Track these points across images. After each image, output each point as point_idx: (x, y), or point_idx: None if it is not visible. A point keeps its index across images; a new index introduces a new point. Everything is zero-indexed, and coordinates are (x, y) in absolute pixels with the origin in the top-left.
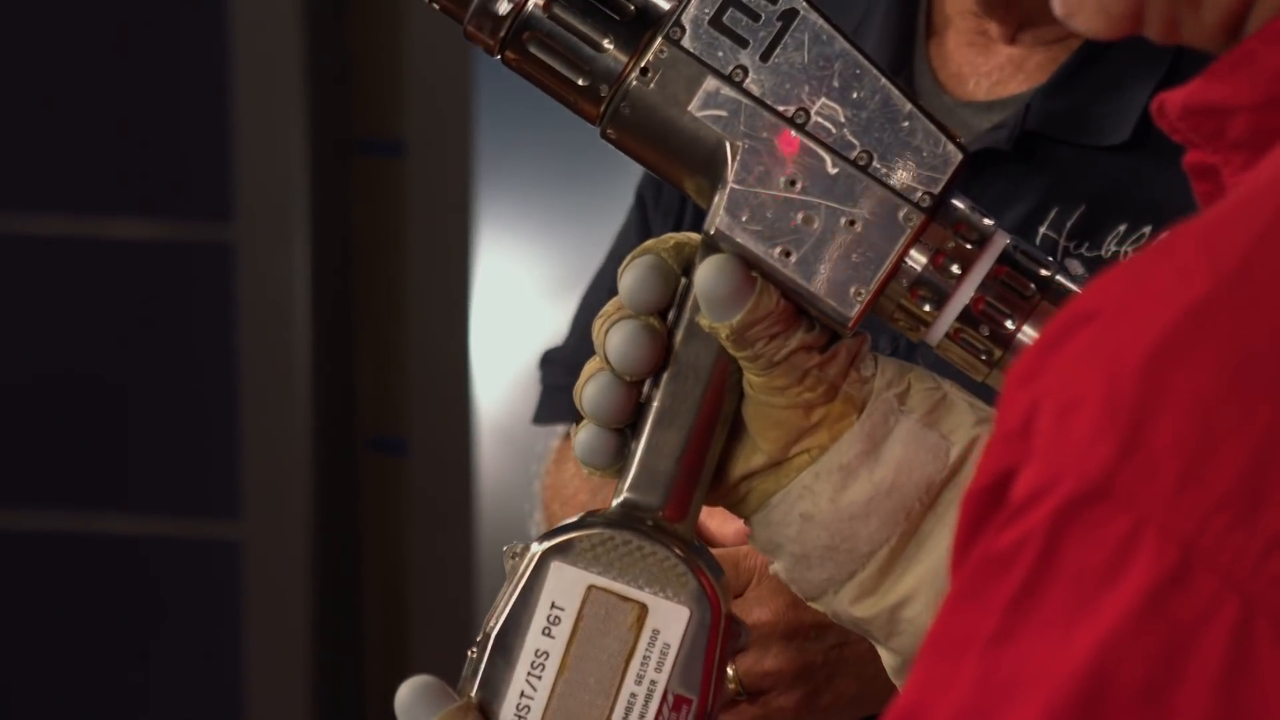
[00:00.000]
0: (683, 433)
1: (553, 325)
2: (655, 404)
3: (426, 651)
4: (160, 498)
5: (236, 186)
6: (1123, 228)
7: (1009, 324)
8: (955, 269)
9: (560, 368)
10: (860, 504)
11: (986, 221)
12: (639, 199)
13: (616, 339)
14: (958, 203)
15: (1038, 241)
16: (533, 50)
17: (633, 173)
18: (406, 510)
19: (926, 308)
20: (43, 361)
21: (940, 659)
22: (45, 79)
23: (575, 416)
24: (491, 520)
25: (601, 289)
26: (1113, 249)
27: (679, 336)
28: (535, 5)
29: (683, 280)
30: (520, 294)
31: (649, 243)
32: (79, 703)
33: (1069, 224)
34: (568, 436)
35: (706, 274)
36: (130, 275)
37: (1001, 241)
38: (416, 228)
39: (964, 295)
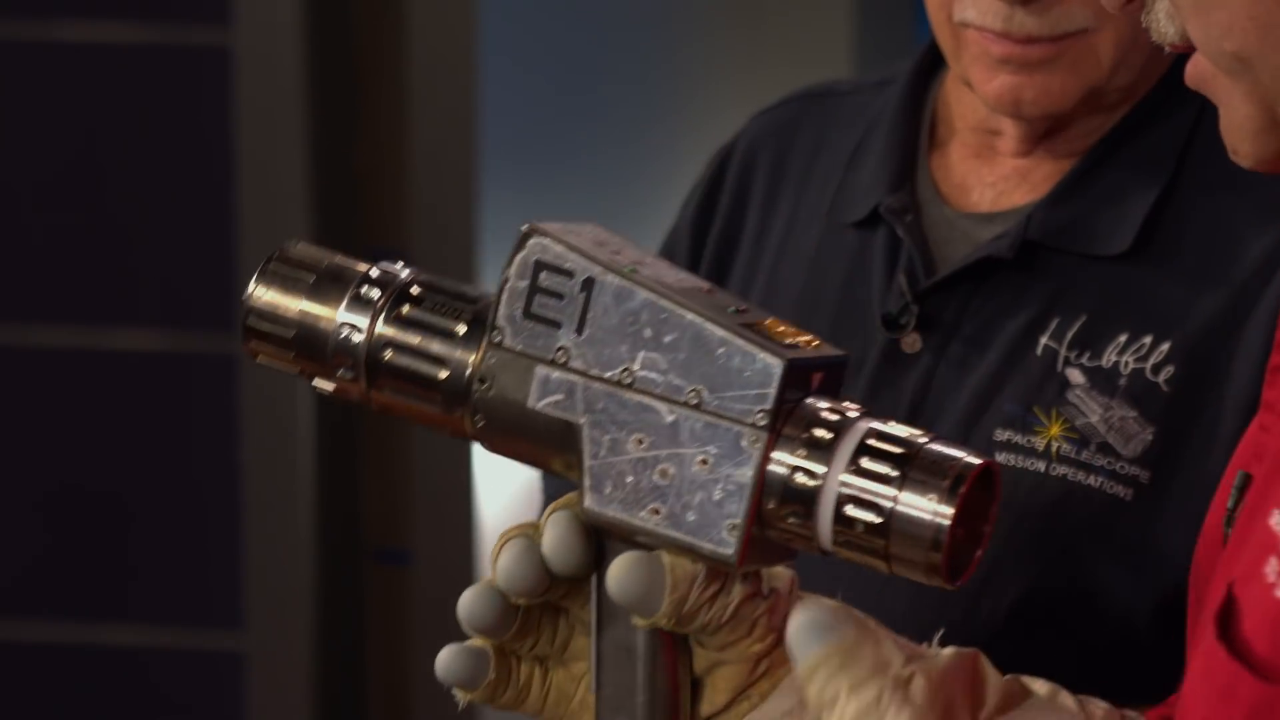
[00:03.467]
0: (635, 715)
1: None
2: (601, 693)
3: None
4: (164, 609)
5: (239, 298)
6: (1124, 337)
7: (877, 516)
8: (810, 480)
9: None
10: None
11: (834, 418)
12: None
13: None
14: (815, 401)
15: (1039, 351)
16: (389, 394)
17: None
18: (410, 621)
19: (802, 521)
20: (46, 472)
21: None
22: (49, 189)
23: None
24: None
25: None
26: (1113, 359)
27: (594, 618)
28: (380, 350)
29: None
30: None
31: (522, 525)
32: None
33: (1070, 334)
34: None
35: (614, 585)
36: (133, 386)
37: (855, 436)
38: None
39: (829, 499)
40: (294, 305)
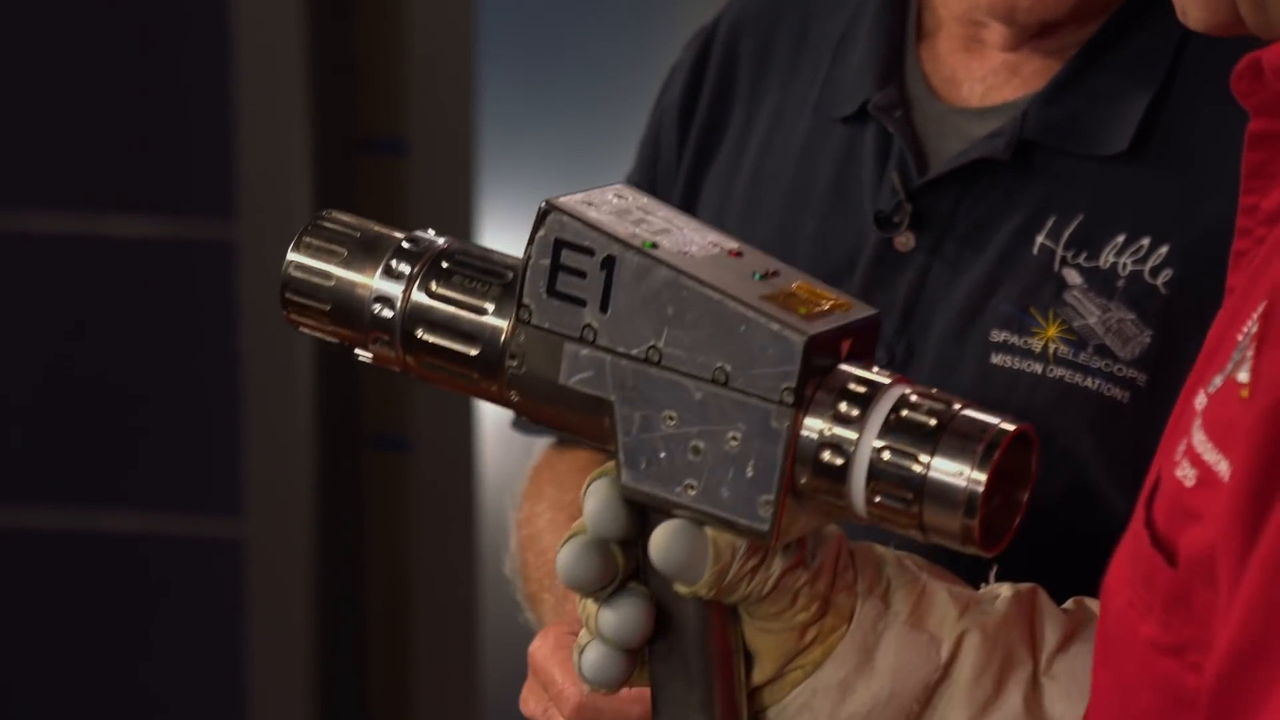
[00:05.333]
0: (701, 691)
1: None
2: (661, 668)
3: (429, 649)
4: (163, 495)
5: (239, 184)
6: (1121, 238)
7: (910, 484)
8: (842, 449)
9: None
10: (860, 716)
11: (864, 387)
12: (652, 143)
13: (610, 619)
14: (847, 368)
15: (1035, 251)
16: (425, 367)
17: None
18: (409, 507)
19: (836, 490)
20: (45, 358)
21: None
22: (47, 76)
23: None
24: (494, 516)
25: None
26: (1111, 260)
27: (653, 598)
28: (413, 325)
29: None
30: None
31: (580, 522)
32: (80, 701)
33: (1067, 233)
34: (550, 448)
35: (656, 554)
36: (132, 273)
37: (886, 404)
38: (418, 225)
39: (861, 468)
40: (329, 277)
